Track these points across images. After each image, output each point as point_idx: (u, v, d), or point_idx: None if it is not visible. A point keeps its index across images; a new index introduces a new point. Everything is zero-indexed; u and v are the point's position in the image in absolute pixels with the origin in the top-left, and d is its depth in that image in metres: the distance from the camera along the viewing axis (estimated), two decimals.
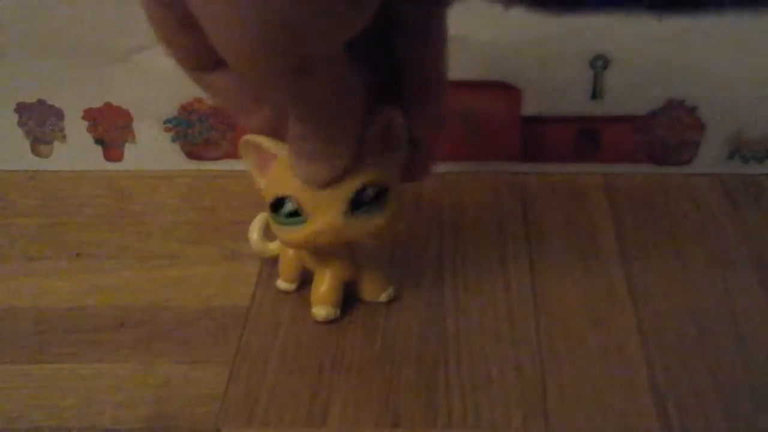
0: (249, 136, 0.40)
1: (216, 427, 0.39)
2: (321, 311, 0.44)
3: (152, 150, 0.55)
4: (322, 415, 0.39)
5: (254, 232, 0.46)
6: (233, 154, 0.55)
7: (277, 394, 0.40)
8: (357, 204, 0.39)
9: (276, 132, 0.39)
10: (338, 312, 0.44)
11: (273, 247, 0.46)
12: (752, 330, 0.43)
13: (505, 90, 0.52)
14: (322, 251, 0.43)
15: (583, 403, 0.39)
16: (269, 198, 0.40)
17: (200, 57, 0.36)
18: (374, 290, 0.44)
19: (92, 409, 0.40)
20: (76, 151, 0.55)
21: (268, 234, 0.46)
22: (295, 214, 0.39)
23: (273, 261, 0.46)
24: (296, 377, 0.41)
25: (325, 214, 0.39)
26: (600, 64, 0.51)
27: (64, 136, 0.54)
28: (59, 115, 0.54)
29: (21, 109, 0.54)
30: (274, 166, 0.40)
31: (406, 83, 0.39)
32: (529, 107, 0.52)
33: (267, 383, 0.41)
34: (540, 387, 0.40)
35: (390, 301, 0.45)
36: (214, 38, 0.31)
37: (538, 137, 0.53)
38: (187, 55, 0.37)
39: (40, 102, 0.54)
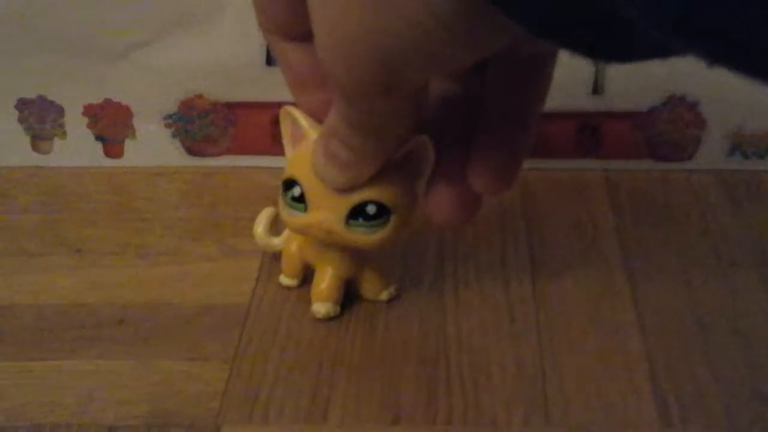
0: (290, 108, 0.40)
1: (216, 425, 0.39)
2: (321, 308, 0.44)
3: (152, 146, 0.55)
4: (323, 412, 0.39)
5: (259, 227, 0.46)
6: (234, 151, 0.55)
7: (278, 391, 0.40)
8: (356, 215, 0.38)
9: (322, 119, 0.38)
10: (338, 309, 0.44)
11: (277, 242, 0.46)
12: (753, 326, 0.43)
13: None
14: (321, 245, 0.42)
15: (584, 399, 0.39)
16: (285, 175, 0.40)
17: (287, 27, 0.36)
18: (375, 288, 0.44)
19: (92, 406, 0.40)
20: (77, 148, 0.55)
21: (273, 229, 0.46)
22: (299, 200, 0.39)
23: (273, 258, 0.46)
24: (297, 374, 0.41)
25: (323, 213, 0.39)
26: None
27: (64, 133, 0.54)
28: (59, 111, 0.54)
29: (21, 105, 0.54)
30: (302, 146, 0.39)
31: (489, 121, 0.36)
32: None
33: (267, 380, 0.41)
34: (540, 384, 0.40)
35: (390, 299, 0.45)
36: (320, 41, 0.30)
37: (538, 133, 0.53)
38: (275, 22, 0.36)
39: (41, 98, 0.53)
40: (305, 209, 0.39)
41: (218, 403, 0.40)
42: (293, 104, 0.39)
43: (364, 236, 0.39)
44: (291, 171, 0.40)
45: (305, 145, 0.39)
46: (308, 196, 0.39)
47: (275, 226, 0.46)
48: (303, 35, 0.34)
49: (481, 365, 0.41)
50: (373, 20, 0.28)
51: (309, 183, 0.39)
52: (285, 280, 0.46)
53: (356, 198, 0.38)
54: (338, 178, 0.37)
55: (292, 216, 0.40)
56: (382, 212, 0.39)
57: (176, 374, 0.41)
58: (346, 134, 0.35)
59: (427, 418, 0.39)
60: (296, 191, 0.39)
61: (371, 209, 0.38)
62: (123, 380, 0.41)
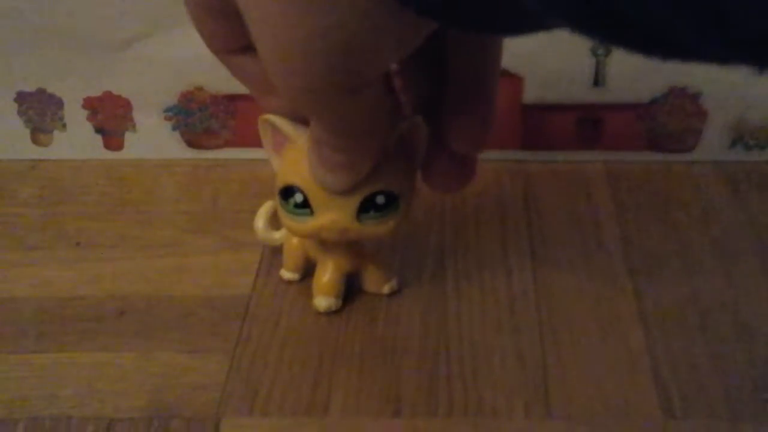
0: (268, 116, 0.39)
1: (216, 417, 0.39)
2: (322, 302, 0.43)
3: (152, 139, 0.54)
4: (324, 404, 0.39)
5: (260, 220, 0.46)
6: (234, 143, 0.54)
7: (278, 384, 0.40)
8: (366, 208, 0.38)
9: (296, 115, 0.38)
10: (340, 303, 0.44)
11: (278, 236, 0.46)
12: (755, 317, 0.43)
13: (507, 77, 0.51)
14: (325, 242, 0.42)
15: (585, 391, 0.39)
16: (279, 184, 0.39)
17: (230, 42, 0.36)
18: (377, 282, 0.44)
19: (92, 398, 0.40)
20: (76, 140, 0.55)
21: (273, 223, 0.46)
22: (302, 205, 0.39)
23: (274, 250, 0.46)
24: (297, 367, 0.41)
25: (333, 213, 0.38)
26: (602, 51, 0.51)
27: (64, 125, 0.54)
28: (59, 104, 0.54)
29: (21, 98, 0.54)
30: (289, 151, 0.39)
31: (454, 94, 0.38)
32: (531, 95, 0.52)
33: (268, 373, 0.41)
34: (541, 375, 0.40)
35: (392, 292, 0.44)
36: (266, 55, 0.30)
37: (539, 125, 0.53)
38: (220, 43, 0.36)
39: (40, 91, 0.53)
40: (311, 213, 0.39)
41: (218, 395, 0.40)
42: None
43: (377, 227, 0.39)
44: (287, 178, 0.39)
45: (292, 150, 0.39)
46: (313, 200, 0.38)
47: (275, 219, 0.46)
48: (251, 47, 0.34)
49: (482, 357, 0.41)
50: (313, 20, 0.28)
51: (310, 186, 0.38)
52: (286, 274, 0.45)
53: (364, 191, 0.38)
54: (339, 181, 0.37)
55: (299, 223, 0.39)
56: (391, 200, 0.38)
57: (176, 367, 0.41)
58: (331, 139, 0.35)
59: (428, 410, 0.39)
60: (298, 198, 0.39)
61: (380, 200, 0.38)
62: (123, 373, 0.41)
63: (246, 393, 0.40)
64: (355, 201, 0.38)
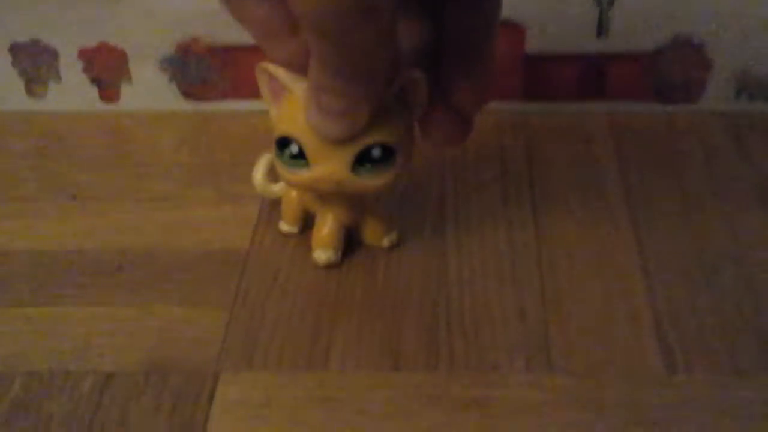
0: (265, 64, 0.39)
1: (215, 371, 0.39)
2: (322, 255, 0.43)
3: (149, 90, 0.54)
4: (323, 358, 0.39)
5: (258, 173, 0.46)
6: (231, 95, 0.54)
7: (277, 338, 0.40)
8: (362, 161, 0.38)
9: (301, 69, 0.38)
10: (339, 256, 0.43)
11: (276, 189, 0.45)
12: (759, 269, 0.42)
13: (509, 27, 0.51)
14: (323, 195, 0.42)
15: (587, 344, 0.39)
16: (276, 134, 0.39)
17: None
18: (377, 235, 0.44)
19: (90, 352, 0.40)
20: (72, 92, 0.54)
21: (272, 175, 0.45)
22: (298, 156, 0.38)
23: (273, 204, 0.46)
24: (296, 320, 0.41)
25: (329, 165, 0.38)
26: (605, 0, 0.50)
27: (59, 77, 0.54)
28: (53, 54, 0.53)
29: (14, 49, 0.53)
30: (286, 101, 0.39)
31: (451, 51, 0.38)
32: (533, 45, 0.52)
33: (266, 327, 0.40)
34: (543, 329, 0.40)
35: (391, 245, 0.44)
36: None
37: (541, 76, 0.53)
38: None
39: (34, 42, 0.53)
40: (307, 164, 0.38)
41: (217, 349, 0.39)
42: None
43: (373, 180, 0.38)
44: (283, 128, 0.39)
45: (289, 100, 0.39)
46: (308, 151, 0.38)
47: (274, 172, 0.45)
48: None
49: (483, 310, 0.41)
50: None
51: (306, 137, 0.38)
52: (285, 226, 0.45)
53: (360, 143, 0.38)
54: (337, 129, 0.37)
55: (294, 174, 0.39)
56: (387, 153, 0.38)
57: (175, 320, 0.41)
58: (333, 83, 0.35)
59: (429, 364, 0.39)
60: (294, 148, 0.38)
61: (376, 152, 0.38)
62: (121, 326, 0.41)
63: (245, 347, 0.40)
64: (350, 153, 0.38)
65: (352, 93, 0.35)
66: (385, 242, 0.44)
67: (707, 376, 0.38)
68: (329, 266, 0.43)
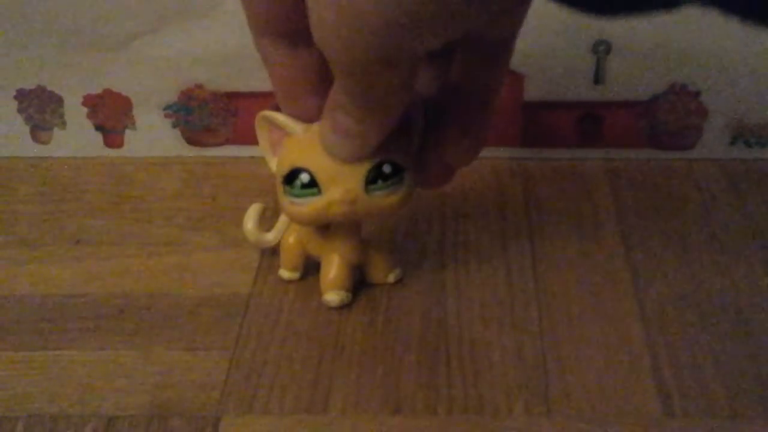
0: (266, 112, 0.39)
1: (216, 415, 0.39)
2: (334, 297, 0.43)
3: (152, 136, 0.54)
4: (324, 402, 0.39)
5: (249, 222, 0.46)
6: (233, 140, 0.54)
7: (278, 381, 0.40)
8: (374, 179, 0.38)
9: (308, 121, 0.39)
10: (350, 297, 0.44)
11: (270, 237, 0.46)
12: (755, 316, 0.43)
13: (508, 75, 0.51)
14: (329, 232, 0.42)
15: (585, 388, 0.39)
16: (283, 171, 0.39)
17: (277, 21, 0.36)
18: (382, 271, 0.44)
19: (93, 396, 0.40)
20: (76, 138, 0.55)
21: (263, 225, 0.46)
22: (309, 185, 0.39)
23: (273, 249, 0.46)
24: (297, 364, 0.41)
25: (341, 186, 0.38)
26: (602, 49, 0.51)
27: (63, 123, 0.54)
28: (59, 101, 0.54)
29: (21, 95, 0.54)
30: (288, 141, 0.39)
31: (457, 104, 0.39)
32: (532, 92, 0.52)
33: (268, 370, 0.41)
34: (542, 372, 0.40)
35: (391, 288, 0.44)
36: (321, 20, 0.31)
37: (540, 122, 0.53)
38: (265, 18, 0.36)
39: (40, 88, 0.53)
40: (319, 191, 0.39)
41: (219, 393, 0.40)
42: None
43: (385, 198, 0.39)
44: (291, 162, 0.39)
45: (291, 139, 0.39)
46: (320, 177, 0.38)
47: (265, 221, 0.46)
48: (294, 33, 0.34)
49: (482, 354, 0.41)
50: None
51: (317, 164, 0.38)
52: (285, 273, 0.45)
53: (371, 161, 0.38)
54: (349, 149, 0.38)
55: (307, 203, 0.39)
56: (397, 170, 0.39)
57: (177, 364, 0.41)
58: (351, 107, 0.36)
59: (428, 408, 0.39)
60: (304, 178, 0.39)
61: (387, 168, 0.39)
62: (123, 370, 0.41)
63: (246, 391, 0.40)
64: (362, 171, 0.38)
65: (368, 120, 0.36)
66: (391, 278, 0.44)
67: (704, 420, 0.38)
68: (330, 310, 0.43)
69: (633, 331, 0.42)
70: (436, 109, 0.39)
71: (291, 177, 0.39)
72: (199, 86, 0.53)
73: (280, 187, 0.40)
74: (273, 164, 0.41)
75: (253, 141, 0.53)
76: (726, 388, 0.39)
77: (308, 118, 0.39)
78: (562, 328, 0.42)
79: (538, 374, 0.40)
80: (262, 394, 0.40)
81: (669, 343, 0.41)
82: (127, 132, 0.54)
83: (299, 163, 0.39)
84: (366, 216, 0.40)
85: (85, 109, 0.54)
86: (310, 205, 0.39)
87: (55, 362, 0.41)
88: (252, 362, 0.41)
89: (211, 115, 0.54)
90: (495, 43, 0.38)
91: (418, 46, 0.31)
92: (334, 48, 0.31)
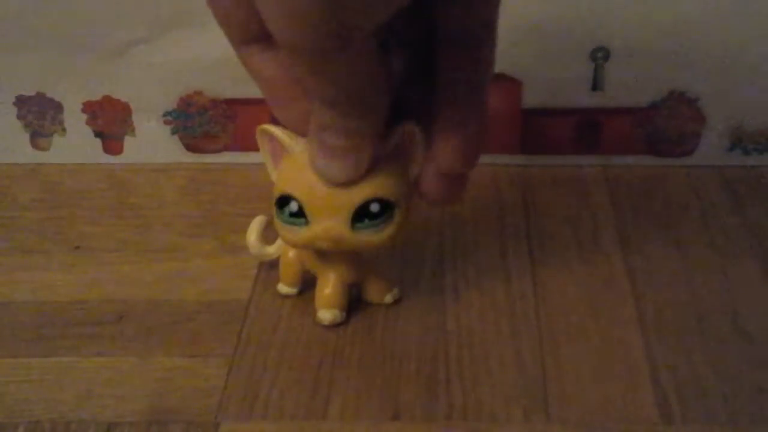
0: (266, 126, 0.39)
1: (216, 421, 0.39)
2: (327, 315, 0.43)
3: (152, 143, 0.54)
4: (323, 408, 0.39)
5: (252, 235, 0.46)
6: (233, 147, 0.54)
7: (277, 387, 0.40)
8: (361, 217, 0.38)
9: (303, 133, 0.38)
10: (344, 315, 0.43)
11: (272, 250, 0.46)
12: (754, 322, 0.43)
13: (506, 82, 0.51)
14: (324, 253, 0.42)
15: (584, 396, 0.39)
16: (275, 193, 0.39)
17: (248, 29, 0.36)
18: (379, 292, 0.44)
19: (92, 402, 0.40)
20: (76, 144, 0.55)
21: (266, 237, 0.46)
22: (297, 215, 0.39)
23: (272, 261, 0.46)
24: (296, 371, 0.41)
25: (327, 222, 0.38)
26: (600, 55, 0.51)
27: (63, 129, 0.54)
28: (58, 108, 0.54)
29: (20, 101, 0.54)
30: (285, 161, 0.39)
31: (444, 101, 0.38)
32: (530, 99, 0.52)
33: (267, 376, 0.41)
34: (541, 380, 0.40)
35: (394, 301, 0.44)
36: (262, 7, 0.31)
37: (538, 129, 0.53)
38: (238, 26, 0.36)
39: (39, 95, 0.53)
40: (306, 223, 0.39)
41: (218, 399, 0.40)
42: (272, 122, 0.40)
43: (372, 236, 0.39)
44: (283, 188, 0.39)
45: (288, 160, 0.39)
46: (307, 209, 0.38)
47: (268, 233, 0.46)
48: (270, 35, 0.34)
49: (481, 361, 0.41)
50: None
51: (305, 195, 0.38)
52: (284, 288, 0.45)
53: (358, 198, 0.38)
54: (342, 170, 0.37)
55: (294, 233, 0.39)
56: (386, 208, 0.38)
57: (176, 371, 0.41)
58: (333, 120, 0.35)
59: (427, 414, 0.39)
60: (293, 206, 0.38)
61: (375, 207, 0.38)
62: (122, 377, 0.41)
63: (245, 397, 0.40)
64: (349, 209, 0.38)
65: (352, 128, 0.36)
66: (388, 299, 0.44)
67: (702, 427, 0.38)
68: (334, 325, 0.43)
69: (631, 338, 0.42)
70: (425, 111, 0.38)
71: (281, 203, 0.39)
72: (199, 93, 0.53)
73: (273, 208, 0.40)
74: (274, 175, 0.41)
75: (252, 147, 0.53)
76: (724, 395, 0.39)
77: (303, 122, 0.38)
78: (561, 335, 0.42)
79: (536, 381, 0.40)
80: (261, 400, 0.40)
81: (667, 350, 0.41)
82: (127, 138, 0.55)
83: (289, 190, 0.39)
84: (354, 250, 0.40)
85: (84, 116, 0.54)
86: (297, 234, 0.39)
87: (54, 368, 0.41)
88: (251, 368, 0.41)
89: (210, 121, 0.54)
90: (476, 27, 0.36)
91: (361, 18, 0.31)
92: (282, 26, 0.31)
